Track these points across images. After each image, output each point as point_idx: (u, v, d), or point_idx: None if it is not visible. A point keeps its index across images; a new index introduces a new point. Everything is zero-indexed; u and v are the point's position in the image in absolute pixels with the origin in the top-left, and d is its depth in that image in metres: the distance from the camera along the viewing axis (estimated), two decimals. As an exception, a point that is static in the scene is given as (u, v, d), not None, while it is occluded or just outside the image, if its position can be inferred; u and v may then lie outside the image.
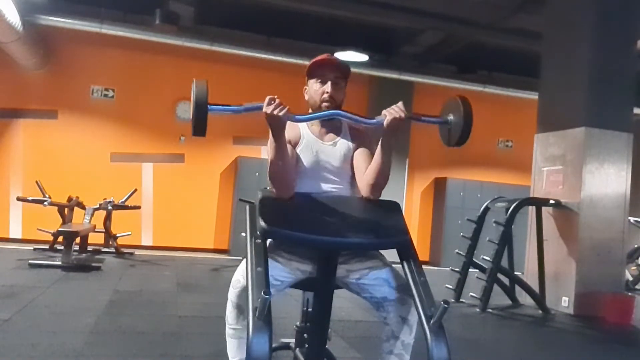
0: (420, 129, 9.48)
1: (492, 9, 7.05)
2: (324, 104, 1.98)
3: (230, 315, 1.87)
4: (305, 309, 2.12)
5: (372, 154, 2.01)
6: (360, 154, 2.02)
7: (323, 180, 1.99)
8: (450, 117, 1.91)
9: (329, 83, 1.98)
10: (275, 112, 1.69)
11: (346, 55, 7.73)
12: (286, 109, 1.71)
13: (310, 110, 2.06)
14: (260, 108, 1.70)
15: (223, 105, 1.71)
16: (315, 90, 2.01)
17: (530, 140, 6.28)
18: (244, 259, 1.76)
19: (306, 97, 2.08)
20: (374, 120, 1.85)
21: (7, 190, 8.06)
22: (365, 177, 1.91)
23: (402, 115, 1.78)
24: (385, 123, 1.80)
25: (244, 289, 1.73)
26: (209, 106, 1.65)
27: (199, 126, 1.66)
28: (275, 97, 1.71)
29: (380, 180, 1.87)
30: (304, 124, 2.03)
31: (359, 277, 1.85)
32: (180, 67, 8.55)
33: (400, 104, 1.81)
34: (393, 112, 1.79)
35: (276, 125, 1.73)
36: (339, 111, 1.88)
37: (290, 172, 1.85)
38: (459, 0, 7.03)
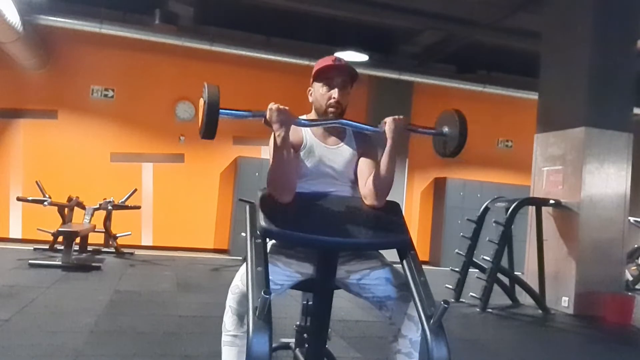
0: (420, 129, 9.48)
1: (492, 9, 7.05)
2: (330, 109, 1.96)
3: (228, 322, 1.80)
4: (305, 308, 2.11)
5: (376, 162, 2.00)
6: (364, 162, 2.00)
7: (325, 184, 1.97)
8: (446, 129, 1.98)
9: (336, 89, 1.96)
10: (280, 117, 1.72)
11: (346, 55, 7.72)
12: (290, 112, 1.74)
13: (313, 111, 2.05)
14: (265, 115, 1.75)
15: (233, 110, 1.75)
16: (322, 94, 1.98)
17: (530, 140, 6.28)
18: (243, 264, 1.75)
19: (310, 99, 2.05)
20: (377, 128, 1.91)
21: (7, 190, 8.06)
22: (369, 184, 1.89)
23: (401, 123, 1.87)
24: (386, 128, 1.85)
25: (244, 295, 1.71)
26: (220, 110, 1.67)
27: (209, 130, 1.68)
28: (277, 104, 1.75)
29: (384, 188, 1.86)
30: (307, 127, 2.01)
31: (359, 278, 1.84)
32: (180, 67, 8.56)
33: (402, 117, 1.90)
34: (393, 118, 1.87)
35: (281, 128, 1.73)
36: (342, 120, 1.91)
37: (292, 176, 1.83)
38: (459, 0, 7.03)
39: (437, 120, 2.04)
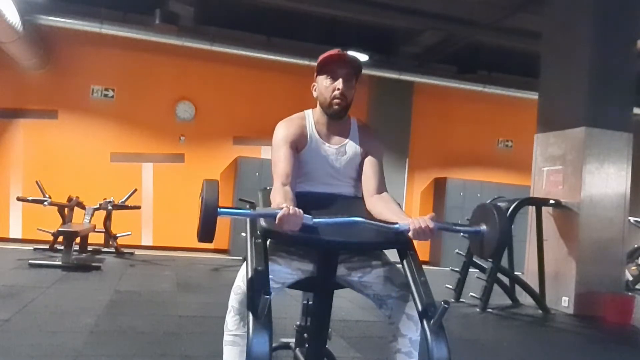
0: (420, 129, 9.50)
1: (492, 9, 7.06)
2: (335, 100, 1.93)
3: (230, 322, 1.80)
4: (305, 308, 2.11)
5: (380, 164, 1.99)
6: (369, 165, 1.98)
7: (328, 183, 1.97)
8: (483, 227, 1.74)
9: (340, 80, 1.92)
10: (292, 222, 1.54)
11: (346, 55, 7.72)
12: (302, 217, 1.55)
13: (318, 106, 2.01)
14: (275, 215, 1.53)
15: (233, 208, 1.60)
16: (326, 86, 1.94)
17: (530, 140, 6.28)
18: (244, 264, 1.75)
19: (315, 94, 2.01)
20: (398, 226, 1.68)
21: (7, 190, 8.06)
22: (374, 209, 1.88)
23: (428, 238, 1.66)
24: (411, 233, 1.66)
25: (246, 295, 1.70)
26: (219, 209, 1.52)
27: (207, 233, 1.53)
28: (290, 207, 1.54)
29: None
30: (311, 123, 1.99)
31: (361, 276, 1.84)
32: (180, 67, 8.56)
33: (430, 216, 1.69)
34: (420, 232, 1.65)
35: (292, 231, 1.57)
36: (359, 219, 1.66)
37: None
38: (459, 0, 7.03)
39: (472, 215, 1.83)
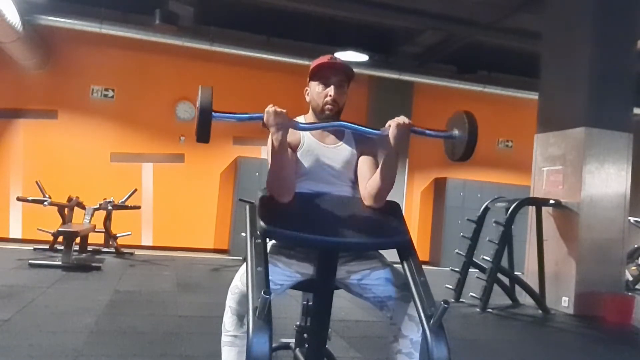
0: (420, 129, 9.49)
1: (492, 9, 7.05)
2: (327, 106, 1.95)
3: (228, 322, 1.80)
4: (305, 308, 2.11)
5: (376, 162, 1.99)
6: (364, 162, 1.99)
7: (324, 184, 1.97)
8: (455, 131, 1.88)
9: (332, 87, 1.95)
10: (277, 120, 1.70)
11: (346, 55, 7.73)
12: (287, 116, 1.73)
13: (310, 111, 2.04)
14: (262, 117, 1.73)
15: (227, 113, 1.73)
16: (318, 93, 1.97)
17: (530, 140, 6.28)
18: (243, 264, 1.75)
19: (307, 99, 2.04)
20: (379, 131, 1.84)
21: (7, 190, 8.06)
22: (369, 186, 1.89)
23: (407, 121, 1.79)
24: (390, 132, 1.79)
25: (243, 295, 1.71)
26: (213, 113, 1.66)
27: (203, 133, 1.67)
28: (275, 106, 1.73)
29: (384, 191, 1.85)
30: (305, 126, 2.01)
31: (360, 278, 1.84)
32: (180, 67, 8.56)
33: (403, 116, 1.82)
34: (398, 119, 1.80)
35: (278, 131, 1.72)
36: (344, 122, 1.86)
37: (291, 178, 1.83)
38: (459, 0, 7.03)
39: (447, 123, 1.96)
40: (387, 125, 1.81)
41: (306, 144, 1.98)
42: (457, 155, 1.88)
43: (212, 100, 1.66)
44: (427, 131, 1.88)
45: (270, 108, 1.72)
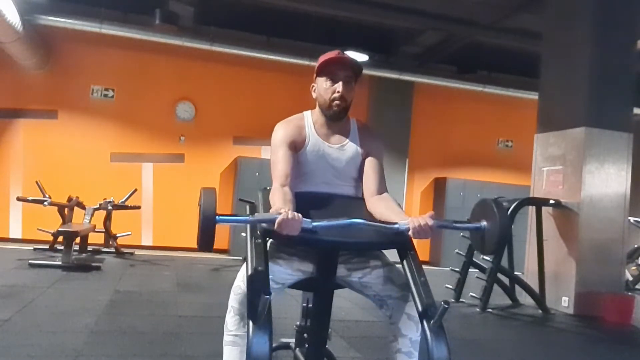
0: (421, 129, 9.50)
1: (492, 9, 7.05)
2: (335, 102, 1.93)
3: (230, 322, 1.80)
4: (305, 309, 2.11)
5: (380, 164, 1.99)
6: (369, 165, 1.98)
7: (328, 183, 1.96)
8: (484, 223, 1.76)
9: (340, 83, 1.92)
10: (291, 227, 1.56)
11: (346, 55, 7.72)
12: (301, 221, 1.57)
13: (317, 107, 2.01)
14: (274, 221, 1.54)
15: (232, 215, 1.60)
16: (325, 89, 1.95)
17: (530, 140, 6.28)
18: (244, 264, 1.75)
19: (314, 95, 2.02)
20: (398, 226, 1.69)
21: (7, 190, 8.06)
22: (374, 210, 1.88)
23: (428, 236, 1.66)
24: (410, 233, 1.67)
25: (245, 295, 1.71)
26: (217, 217, 1.52)
27: (206, 241, 1.53)
28: (288, 212, 1.56)
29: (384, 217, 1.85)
30: (310, 124, 1.99)
31: (361, 276, 1.85)
32: (180, 67, 8.56)
33: (429, 214, 1.68)
34: (419, 230, 1.65)
35: (289, 234, 1.59)
36: (358, 220, 1.67)
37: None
38: (459, 0, 7.03)
39: (472, 211, 1.84)
40: (409, 220, 1.67)
41: (311, 143, 1.97)
42: (488, 249, 1.78)
43: (216, 202, 1.53)
44: (453, 224, 1.76)
45: (285, 216, 1.55)
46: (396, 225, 1.69)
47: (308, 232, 1.58)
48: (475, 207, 1.83)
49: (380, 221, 1.76)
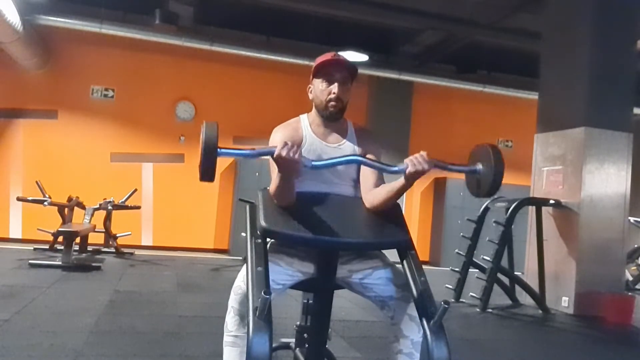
0: (421, 129, 9.50)
1: (492, 9, 7.05)
2: (331, 103, 1.95)
3: (230, 322, 1.80)
4: (305, 308, 2.11)
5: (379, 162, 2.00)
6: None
7: (326, 183, 1.96)
8: (479, 166, 1.81)
9: (336, 84, 1.94)
10: (291, 156, 1.58)
11: (346, 56, 7.68)
12: (300, 153, 1.61)
13: (314, 109, 2.02)
14: (273, 152, 1.60)
15: (233, 149, 1.64)
16: (321, 90, 1.96)
17: (530, 140, 6.28)
18: (244, 265, 1.75)
19: (310, 97, 2.03)
20: (396, 168, 1.74)
21: (7, 190, 8.06)
22: (372, 197, 1.88)
23: (425, 167, 1.68)
24: (407, 173, 1.71)
25: (246, 296, 1.70)
26: (218, 150, 1.57)
27: (208, 171, 1.59)
28: (289, 142, 1.61)
29: (384, 207, 1.84)
30: (307, 125, 2.00)
31: (362, 277, 1.84)
32: (180, 67, 8.56)
33: (424, 153, 1.70)
34: (416, 163, 1.68)
35: (289, 170, 1.64)
36: (358, 157, 1.79)
37: (293, 194, 1.78)
38: (459, 0, 7.03)
39: (470, 155, 1.88)
40: (405, 162, 1.72)
41: (308, 143, 1.98)
42: (482, 191, 1.81)
43: (218, 135, 1.58)
44: (450, 165, 1.79)
45: (284, 148, 1.59)
46: (395, 168, 1.74)
47: (306, 168, 1.66)
48: (473, 151, 1.87)
49: (377, 208, 1.81)
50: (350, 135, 2.03)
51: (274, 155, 1.60)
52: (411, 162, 1.69)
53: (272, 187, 1.77)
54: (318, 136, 2.00)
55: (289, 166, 1.61)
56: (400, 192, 1.78)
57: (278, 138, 1.94)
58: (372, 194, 1.88)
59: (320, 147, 1.98)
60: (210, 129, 1.58)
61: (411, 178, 1.71)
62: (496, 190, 1.78)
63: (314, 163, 1.69)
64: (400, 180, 1.75)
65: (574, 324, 5.10)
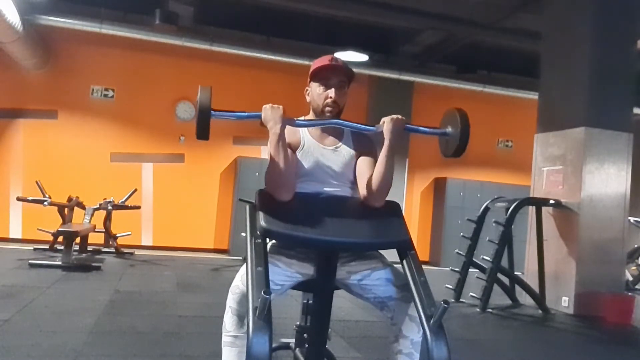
0: (420, 129, 9.49)
1: (492, 9, 7.05)
2: (327, 108, 1.96)
3: (228, 322, 1.79)
4: (305, 308, 2.11)
5: (375, 162, 1.98)
6: (363, 162, 1.99)
7: (324, 185, 1.96)
8: (449, 128, 1.94)
9: (333, 89, 1.96)
10: (274, 115, 1.78)
11: (346, 55, 7.72)
12: (283, 111, 1.80)
13: (311, 112, 2.05)
14: (260, 115, 1.81)
15: (226, 111, 1.79)
16: (318, 94, 1.98)
17: (530, 140, 6.28)
18: (243, 265, 1.75)
19: (308, 99, 2.05)
20: (374, 128, 1.91)
21: (7, 190, 8.06)
22: (368, 185, 1.88)
23: (398, 120, 1.86)
24: (384, 128, 1.85)
25: (244, 295, 1.70)
26: (212, 112, 1.72)
27: (203, 130, 1.73)
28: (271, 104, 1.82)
29: (383, 187, 1.85)
30: (304, 128, 2.02)
31: (360, 279, 1.84)
32: (180, 67, 8.55)
33: (397, 115, 1.89)
34: (392, 116, 1.87)
35: (276, 126, 1.77)
36: (340, 120, 1.92)
37: (291, 174, 1.83)
38: (459, 0, 7.03)
39: (441, 120, 2.02)
40: (381, 122, 1.88)
41: (306, 145, 1.98)
42: (450, 151, 1.94)
43: (211, 98, 1.72)
44: (421, 128, 1.96)
45: (267, 105, 1.81)
46: (373, 128, 1.91)
47: (290, 123, 1.83)
48: (444, 117, 2.01)
49: (377, 191, 1.87)
50: (347, 137, 2.05)
51: (261, 116, 1.81)
52: (387, 120, 1.87)
53: (266, 174, 1.82)
54: (315, 138, 2.01)
55: (275, 119, 1.78)
56: (388, 154, 1.86)
57: None
58: (368, 182, 1.90)
59: (317, 149, 1.99)
60: (204, 93, 1.72)
61: (391, 132, 1.85)
62: (463, 150, 1.90)
63: (296, 121, 1.87)
64: (384, 145, 1.87)
65: (574, 324, 5.10)
